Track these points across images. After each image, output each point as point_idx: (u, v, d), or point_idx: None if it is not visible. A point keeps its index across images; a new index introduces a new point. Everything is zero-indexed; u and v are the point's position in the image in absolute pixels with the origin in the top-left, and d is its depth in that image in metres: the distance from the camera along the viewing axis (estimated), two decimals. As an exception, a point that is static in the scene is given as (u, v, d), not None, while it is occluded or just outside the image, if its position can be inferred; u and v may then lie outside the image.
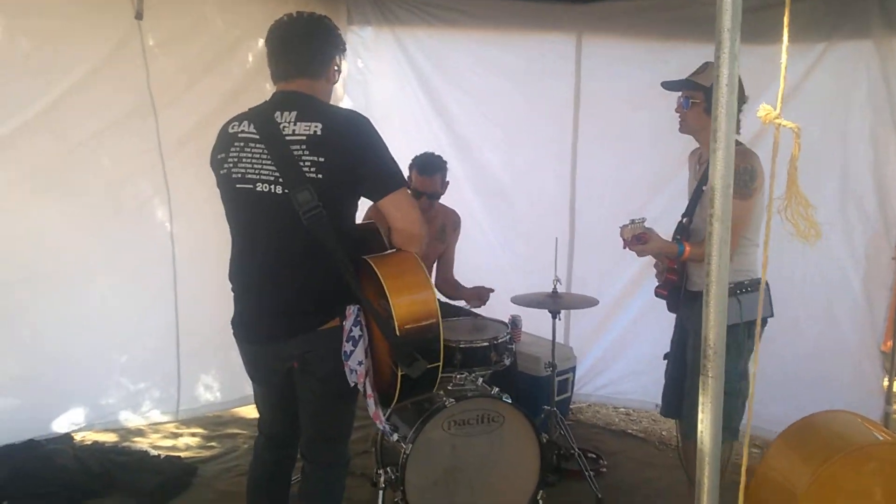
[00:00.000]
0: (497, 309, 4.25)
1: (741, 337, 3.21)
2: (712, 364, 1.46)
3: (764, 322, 3.33)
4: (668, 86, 3.40)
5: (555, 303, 4.05)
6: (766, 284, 3.30)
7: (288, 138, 2.41)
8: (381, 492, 3.30)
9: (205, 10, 4.44)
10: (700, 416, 1.45)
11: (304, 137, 2.40)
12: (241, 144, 2.50)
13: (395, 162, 2.50)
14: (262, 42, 4.65)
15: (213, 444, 4.48)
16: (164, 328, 4.40)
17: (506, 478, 3.47)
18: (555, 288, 4.07)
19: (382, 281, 2.43)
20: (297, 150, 2.40)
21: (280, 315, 2.54)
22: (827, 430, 3.04)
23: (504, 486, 3.46)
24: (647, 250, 3.21)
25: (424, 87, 5.13)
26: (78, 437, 4.25)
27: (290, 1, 4.82)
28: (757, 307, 3.21)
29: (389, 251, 2.59)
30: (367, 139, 2.45)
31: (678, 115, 3.35)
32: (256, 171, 2.46)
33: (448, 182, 4.29)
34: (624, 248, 3.12)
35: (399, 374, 2.44)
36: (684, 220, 3.43)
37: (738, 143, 3.25)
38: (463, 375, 3.58)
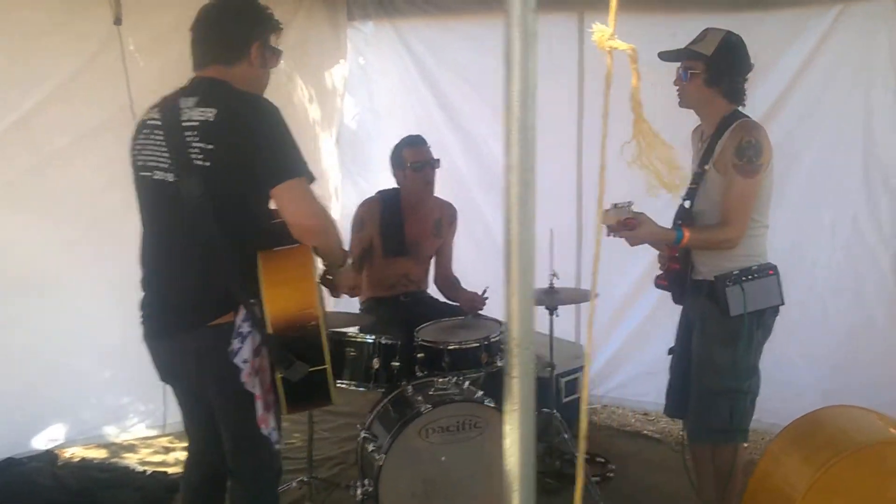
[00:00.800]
0: (500, 305, 3.97)
1: (747, 328, 2.90)
2: (517, 361, 1.15)
3: (775, 311, 3.00)
4: (666, 56, 3.07)
5: (551, 298, 3.77)
6: (776, 270, 2.97)
7: (184, 125, 2.29)
8: (359, 505, 3.09)
9: (186, 12, 4.29)
10: (505, 428, 1.16)
11: (196, 123, 2.27)
12: (147, 132, 2.40)
13: (294, 151, 2.30)
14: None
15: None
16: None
17: (491, 488, 3.18)
18: (551, 283, 3.79)
19: (259, 274, 2.24)
20: (189, 136, 2.27)
21: (171, 308, 2.41)
22: (833, 426, 2.69)
23: (489, 498, 3.18)
24: (639, 237, 2.90)
25: (427, 80, 4.99)
26: (67, 452, 4.13)
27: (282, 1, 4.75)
28: (766, 295, 2.93)
29: (291, 245, 2.35)
30: (260, 125, 2.26)
31: (677, 88, 3.03)
32: (155, 159, 2.35)
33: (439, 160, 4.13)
34: (608, 235, 2.82)
35: (278, 376, 2.25)
36: (685, 203, 3.11)
37: (741, 116, 2.95)
38: (446, 379, 3.33)
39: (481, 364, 3.50)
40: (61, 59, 3.87)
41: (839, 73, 3.67)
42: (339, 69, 5.14)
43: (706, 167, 3.00)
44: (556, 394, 4.39)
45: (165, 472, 4.04)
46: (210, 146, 2.24)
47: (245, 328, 2.28)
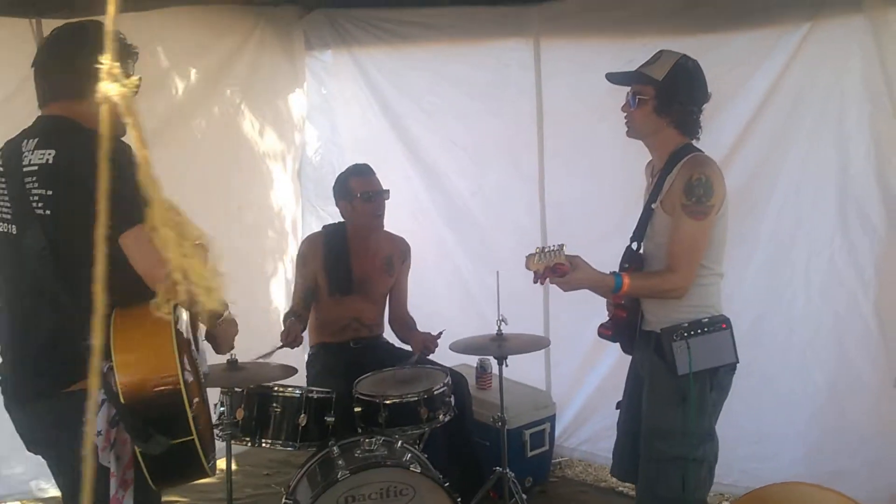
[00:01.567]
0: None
1: (699, 389, 2.58)
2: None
3: (732, 368, 2.68)
4: (614, 79, 2.79)
5: (499, 347, 3.46)
6: (729, 323, 2.64)
7: (24, 170, 2.07)
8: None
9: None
10: None
11: (36, 168, 2.06)
12: None
13: (139, 195, 2.02)
14: (193, 75, 4.44)
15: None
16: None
17: (419, 564, 2.89)
18: (499, 329, 3.48)
19: (111, 335, 1.97)
20: (29, 182, 2.06)
21: (23, 373, 2.17)
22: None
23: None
24: (571, 283, 2.58)
25: (386, 111, 4.75)
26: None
27: (235, 29, 4.57)
28: (717, 352, 2.61)
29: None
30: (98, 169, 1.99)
31: (625, 115, 2.75)
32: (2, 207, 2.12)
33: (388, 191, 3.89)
34: (535, 282, 2.53)
35: (137, 450, 1.98)
36: (633, 244, 2.82)
37: (694, 150, 2.64)
38: (371, 440, 3.03)
39: (421, 420, 3.23)
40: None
41: (809, 97, 3.35)
42: (297, 99, 4.90)
43: (653, 206, 2.71)
44: (520, 448, 4.09)
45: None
46: (49, 192, 2.04)
47: (101, 395, 2.02)
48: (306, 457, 3.32)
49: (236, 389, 3.12)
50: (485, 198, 4.52)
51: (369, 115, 4.80)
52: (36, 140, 2.11)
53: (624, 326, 2.83)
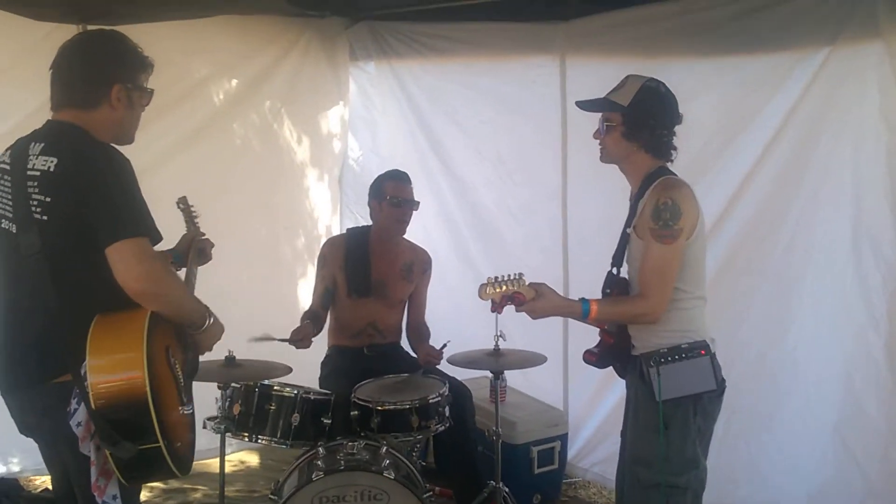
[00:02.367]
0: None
1: (680, 415, 2.55)
2: None
3: (718, 395, 2.63)
4: (584, 106, 2.82)
5: (497, 362, 3.48)
6: (709, 349, 2.59)
7: (28, 173, 2.17)
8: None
9: (164, 51, 4.31)
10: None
11: (38, 173, 2.16)
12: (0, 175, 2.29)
13: (131, 208, 2.14)
14: (235, 81, 4.63)
15: (158, 499, 4.21)
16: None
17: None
18: (496, 344, 3.50)
19: (88, 339, 2.07)
20: (30, 187, 2.16)
21: (15, 362, 2.28)
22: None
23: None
24: (537, 311, 2.62)
25: (421, 123, 4.88)
26: (38, 480, 4.15)
27: (279, 38, 4.74)
28: (694, 379, 2.57)
29: (133, 309, 2.16)
30: (99, 179, 2.12)
31: (598, 141, 2.76)
32: (2, 207, 2.25)
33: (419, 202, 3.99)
34: (493, 310, 2.56)
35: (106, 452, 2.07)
36: (613, 269, 2.81)
37: (667, 172, 2.62)
38: (354, 444, 3.11)
39: (411, 428, 3.28)
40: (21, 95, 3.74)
41: (825, 125, 3.21)
42: (339, 109, 5.07)
43: (628, 230, 2.69)
44: (527, 464, 4.09)
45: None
46: (48, 199, 2.14)
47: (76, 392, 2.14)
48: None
49: (234, 385, 3.24)
50: (510, 213, 4.55)
51: (406, 126, 4.92)
52: (42, 145, 2.20)
53: (612, 352, 2.81)
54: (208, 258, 2.97)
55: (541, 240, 4.35)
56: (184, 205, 3.04)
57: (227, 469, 4.59)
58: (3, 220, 2.24)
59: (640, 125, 2.60)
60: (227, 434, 3.22)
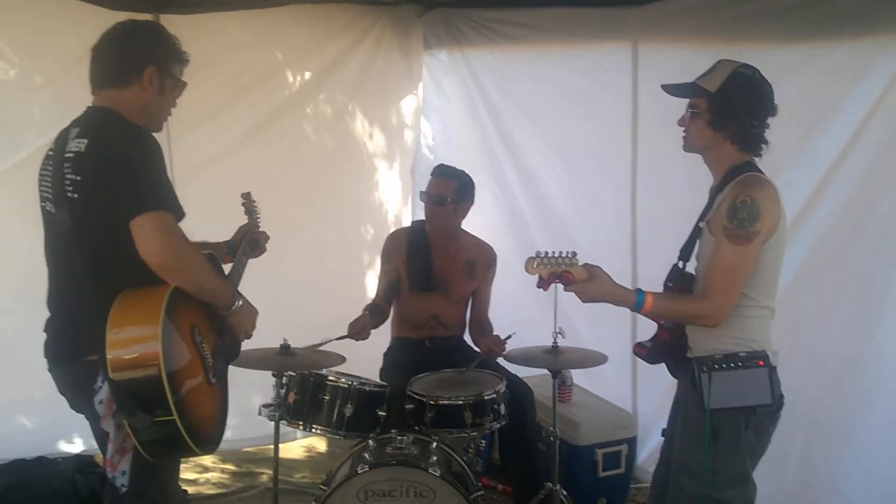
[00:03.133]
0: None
1: (731, 427, 2.40)
2: None
3: (773, 409, 2.47)
4: (671, 90, 2.64)
5: (555, 360, 3.37)
6: (767, 360, 2.42)
7: (65, 155, 2.26)
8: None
9: (237, 40, 4.41)
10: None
11: (72, 155, 2.24)
12: (46, 162, 2.40)
13: (153, 184, 2.18)
14: (307, 69, 4.65)
15: (230, 481, 4.34)
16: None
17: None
18: (555, 341, 3.38)
19: (110, 312, 2.11)
20: (66, 167, 2.25)
21: (56, 337, 2.37)
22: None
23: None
24: (587, 294, 2.46)
25: (490, 111, 4.82)
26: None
27: (352, 26, 4.74)
28: (747, 390, 2.42)
29: (157, 285, 2.20)
30: (121, 157, 2.18)
31: (682, 129, 2.59)
32: (46, 190, 2.35)
33: (467, 204, 3.90)
34: (538, 286, 2.45)
35: (124, 422, 2.12)
36: (679, 263, 2.66)
37: (752, 168, 2.45)
38: (403, 438, 3.07)
39: (464, 424, 3.22)
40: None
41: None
42: (411, 98, 5.04)
43: (701, 224, 2.54)
44: (591, 466, 3.96)
45: (185, 491, 4.13)
46: (78, 178, 2.22)
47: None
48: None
49: (290, 373, 3.26)
50: (576, 204, 4.43)
51: (475, 115, 4.87)
52: (78, 129, 2.29)
53: (666, 348, 2.67)
54: (262, 250, 3.02)
55: (609, 233, 4.20)
56: (246, 199, 3.14)
57: (297, 455, 4.74)
58: (47, 203, 2.33)
59: (727, 114, 2.43)
60: (282, 422, 3.25)
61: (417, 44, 4.98)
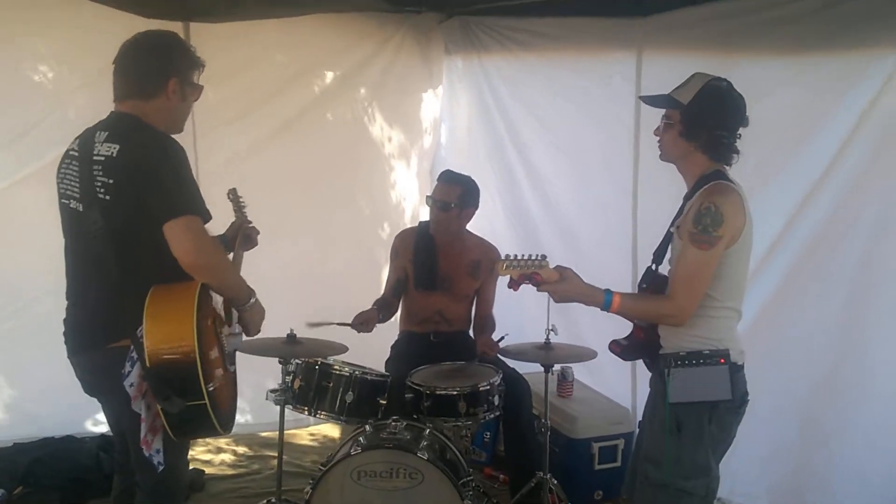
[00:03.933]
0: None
1: (693, 420, 2.53)
2: None
3: (735, 405, 2.57)
4: (649, 101, 2.79)
5: (546, 355, 3.53)
6: (728, 358, 2.53)
7: (93, 158, 2.45)
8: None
9: (263, 47, 4.64)
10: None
11: (103, 158, 2.43)
12: (68, 161, 2.59)
13: (184, 190, 2.39)
14: (329, 74, 4.85)
15: (244, 463, 4.58)
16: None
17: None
18: (547, 338, 3.54)
19: (146, 306, 2.33)
20: (96, 170, 2.44)
21: (79, 327, 2.57)
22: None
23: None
24: (559, 294, 2.61)
25: (503, 116, 4.97)
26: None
27: (375, 34, 4.94)
28: (707, 386, 2.54)
29: (186, 281, 2.42)
30: (154, 163, 2.38)
31: (657, 138, 2.73)
32: (71, 189, 2.54)
33: (472, 210, 4.05)
34: (509, 287, 2.61)
35: (159, 407, 2.34)
36: (652, 265, 2.80)
37: (721, 177, 2.57)
38: (398, 423, 3.26)
39: (459, 413, 3.39)
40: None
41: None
42: (430, 101, 5.23)
43: (672, 229, 2.68)
44: (588, 459, 4.11)
45: (202, 471, 4.38)
46: (110, 181, 2.40)
47: (135, 354, 2.41)
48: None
49: (297, 361, 3.47)
50: (582, 207, 4.55)
51: (490, 119, 5.02)
52: (106, 133, 2.48)
53: (641, 346, 2.81)
54: (254, 244, 3.21)
55: (612, 235, 4.32)
56: (233, 196, 3.30)
57: (308, 441, 4.95)
58: (72, 201, 2.51)
59: (698, 125, 2.55)
60: (287, 407, 3.46)
61: (438, 49, 5.16)
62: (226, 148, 4.52)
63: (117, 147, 2.42)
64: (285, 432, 3.62)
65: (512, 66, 4.80)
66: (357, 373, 3.43)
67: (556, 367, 4.29)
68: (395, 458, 3.09)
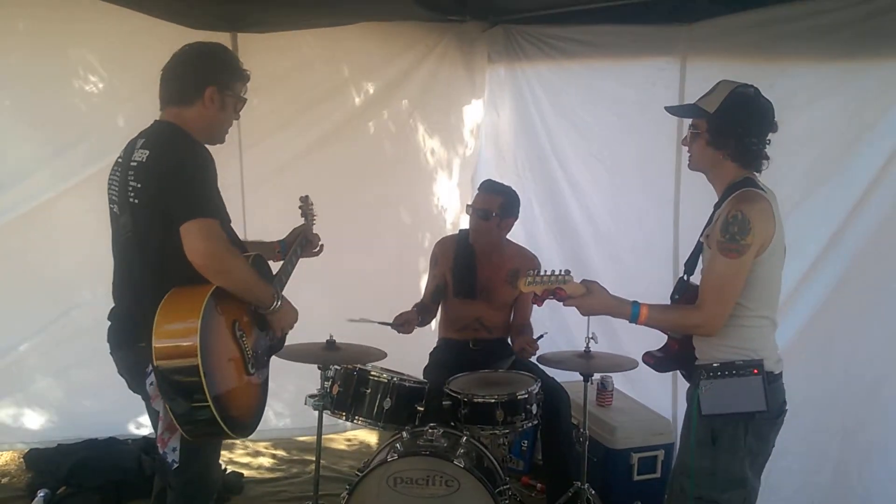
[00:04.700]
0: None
1: (729, 432, 2.50)
2: None
3: (772, 417, 2.53)
4: (674, 111, 2.83)
5: (587, 364, 3.50)
6: (762, 368, 2.48)
7: (130, 164, 2.54)
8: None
9: (309, 56, 4.72)
10: None
11: (136, 164, 2.51)
12: (115, 168, 2.67)
13: (202, 193, 2.43)
14: (373, 84, 4.90)
15: (282, 466, 4.63)
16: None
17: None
18: (587, 346, 3.51)
19: (160, 306, 2.37)
20: (130, 175, 2.52)
21: (116, 326, 2.64)
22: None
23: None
24: (585, 308, 2.60)
25: (544, 124, 4.95)
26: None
27: (418, 43, 4.97)
28: (740, 397, 2.51)
29: (203, 284, 2.44)
30: (175, 166, 2.44)
31: (686, 149, 2.72)
32: (114, 194, 2.63)
33: (512, 220, 4.05)
34: (533, 302, 2.60)
35: (166, 405, 2.38)
36: (684, 276, 2.78)
37: (751, 184, 2.54)
38: (435, 431, 3.26)
39: (497, 422, 3.38)
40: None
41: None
42: (473, 110, 5.24)
43: (701, 239, 2.65)
44: (627, 470, 4.06)
45: (241, 474, 4.44)
46: (140, 185, 2.48)
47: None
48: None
49: (335, 367, 3.49)
50: (622, 216, 4.51)
51: (531, 128, 5.01)
52: (143, 140, 2.57)
53: (677, 357, 2.77)
54: (316, 249, 3.29)
55: (652, 246, 4.26)
56: (303, 202, 3.41)
57: (345, 446, 4.98)
58: (115, 206, 2.61)
59: (726, 133, 2.53)
60: (326, 412, 3.48)
61: (482, 58, 5.17)
62: (270, 156, 4.60)
63: (148, 152, 2.49)
64: (324, 437, 3.66)
65: (553, 73, 4.79)
66: (395, 379, 3.44)
67: (596, 376, 4.27)
68: (431, 466, 3.09)
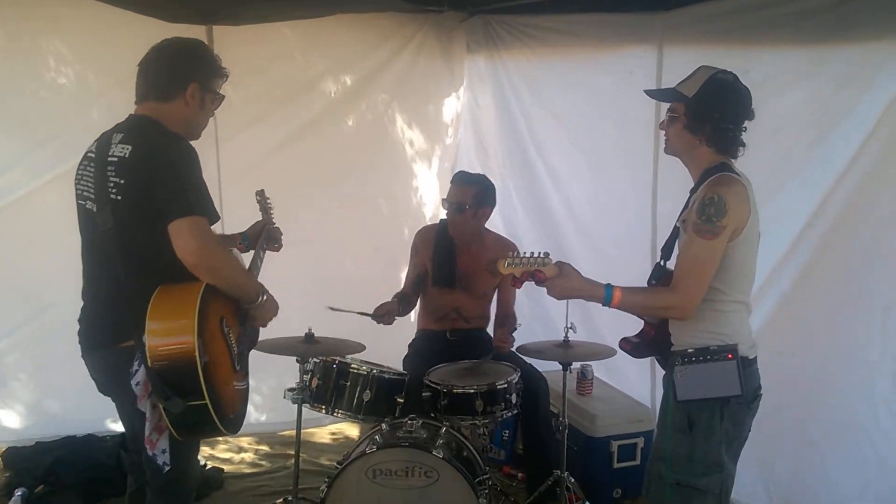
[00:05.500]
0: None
1: (705, 417, 2.50)
2: None
3: (747, 401, 2.53)
4: (653, 95, 2.84)
5: (565, 353, 3.50)
6: (736, 353, 2.49)
7: (108, 159, 2.48)
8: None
9: (285, 48, 4.68)
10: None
11: (116, 159, 2.46)
12: (86, 163, 2.62)
13: (191, 190, 2.39)
14: (350, 76, 4.86)
15: (263, 461, 4.61)
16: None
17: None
18: (566, 336, 3.52)
19: (150, 305, 2.34)
20: (110, 171, 2.47)
21: (90, 327, 2.59)
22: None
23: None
24: (558, 290, 2.59)
25: (523, 113, 4.95)
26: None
27: (396, 34, 4.94)
28: (714, 382, 2.51)
29: (192, 281, 2.41)
30: (163, 163, 2.40)
31: (663, 132, 2.71)
32: (87, 189, 2.57)
33: (488, 209, 4.04)
34: (512, 284, 2.62)
35: (161, 406, 2.34)
36: (661, 261, 2.78)
37: (726, 169, 2.55)
38: (414, 422, 3.26)
39: (476, 412, 3.38)
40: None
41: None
42: (451, 100, 5.22)
43: (678, 223, 2.65)
44: (607, 457, 4.08)
45: (221, 470, 4.41)
46: (122, 181, 2.43)
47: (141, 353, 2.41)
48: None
49: (314, 360, 3.47)
50: (599, 204, 4.52)
51: (510, 118, 5.01)
52: (122, 135, 2.51)
53: (652, 343, 2.78)
54: (277, 244, 3.24)
55: (631, 234, 4.27)
56: (260, 197, 3.36)
57: (327, 439, 4.96)
58: (88, 201, 2.54)
59: (703, 117, 2.53)
60: (305, 405, 3.47)
61: (460, 49, 5.16)
62: (247, 149, 4.55)
63: (130, 148, 2.44)
64: (304, 431, 3.64)
65: (531, 62, 4.79)
66: (374, 371, 3.43)
67: (576, 364, 4.28)
68: (410, 457, 3.08)
